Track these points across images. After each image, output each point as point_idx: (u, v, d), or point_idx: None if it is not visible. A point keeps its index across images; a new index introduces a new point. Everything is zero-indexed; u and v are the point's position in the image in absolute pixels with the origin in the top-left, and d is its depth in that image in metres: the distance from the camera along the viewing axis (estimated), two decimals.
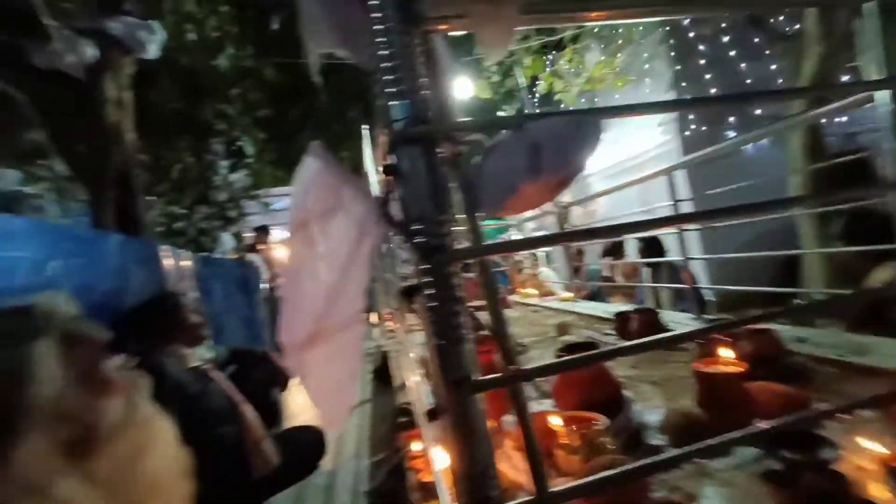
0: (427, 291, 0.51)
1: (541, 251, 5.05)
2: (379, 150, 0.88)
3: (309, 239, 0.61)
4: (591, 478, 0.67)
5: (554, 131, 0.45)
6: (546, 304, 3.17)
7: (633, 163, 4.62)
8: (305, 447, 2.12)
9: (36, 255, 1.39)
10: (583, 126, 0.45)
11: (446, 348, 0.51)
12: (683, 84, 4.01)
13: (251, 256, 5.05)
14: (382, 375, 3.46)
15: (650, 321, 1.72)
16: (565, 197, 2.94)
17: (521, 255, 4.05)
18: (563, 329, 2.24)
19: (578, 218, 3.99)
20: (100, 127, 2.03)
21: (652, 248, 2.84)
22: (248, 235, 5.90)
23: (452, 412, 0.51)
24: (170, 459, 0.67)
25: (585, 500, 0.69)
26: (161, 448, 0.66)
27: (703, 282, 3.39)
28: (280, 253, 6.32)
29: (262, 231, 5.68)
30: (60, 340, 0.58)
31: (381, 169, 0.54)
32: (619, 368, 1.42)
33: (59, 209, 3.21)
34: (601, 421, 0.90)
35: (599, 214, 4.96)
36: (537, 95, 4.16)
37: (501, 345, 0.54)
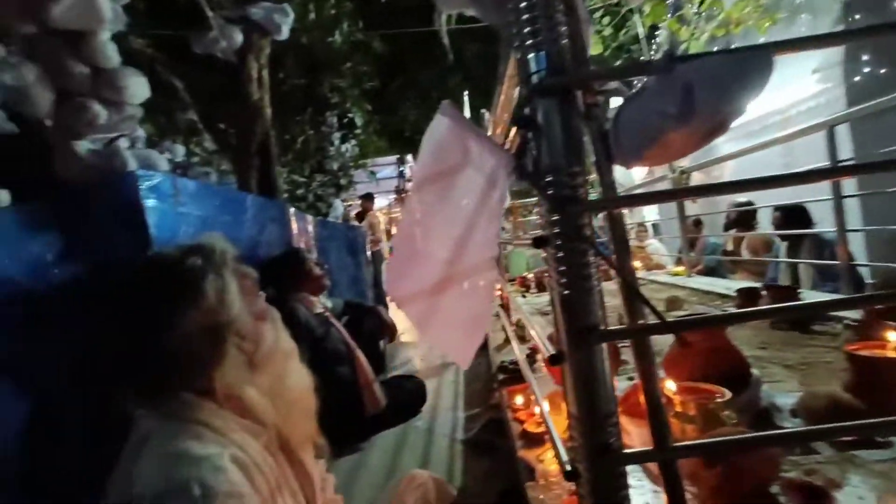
0: (557, 242, 0.53)
1: (649, 222, 4.66)
2: (499, 108, 0.90)
3: (438, 192, 0.66)
4: (713, 439, 0.65)
5: (711, 71, 0.42)
6: (653, 277, 2.95)
7: (772, 120, 3.89)
8: (408, 394, 2.33)
9: (202, 211, 1.69)
10: (748, 62, 0.41)
11: (574, 297, 0.53)
12: (858, 16, 3.16)
13: (356, 222, 5.51)
14: None
15: (787, 300, 1.52)
16: (683, 161, 2.64)
17: (628, 226, 3.77)
18: (673, 304, 2.09)
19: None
20: (246, 104, 2.34)
21: (794, 218, 2.41)
22: (354, 203, 6.42)
23: (578, 360, 0.53)
24: (304, 377, 0.78)
25: (707, 466, 0.67)
26: (297, 367, 0.77)
27: (861, 261, 2.80)
28: (382, 219, 6.77)
29: (367, 198, 6.13)
30: (234, 272, 0.69)
31: (513, 122, 0.55)
32: (744, 349, 1.30)
33: (216, 176, 3.83)
34: (723, 394, 0.85)
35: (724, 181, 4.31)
36: (657, 46, 3.68)
37: (629, 298, 0.54)
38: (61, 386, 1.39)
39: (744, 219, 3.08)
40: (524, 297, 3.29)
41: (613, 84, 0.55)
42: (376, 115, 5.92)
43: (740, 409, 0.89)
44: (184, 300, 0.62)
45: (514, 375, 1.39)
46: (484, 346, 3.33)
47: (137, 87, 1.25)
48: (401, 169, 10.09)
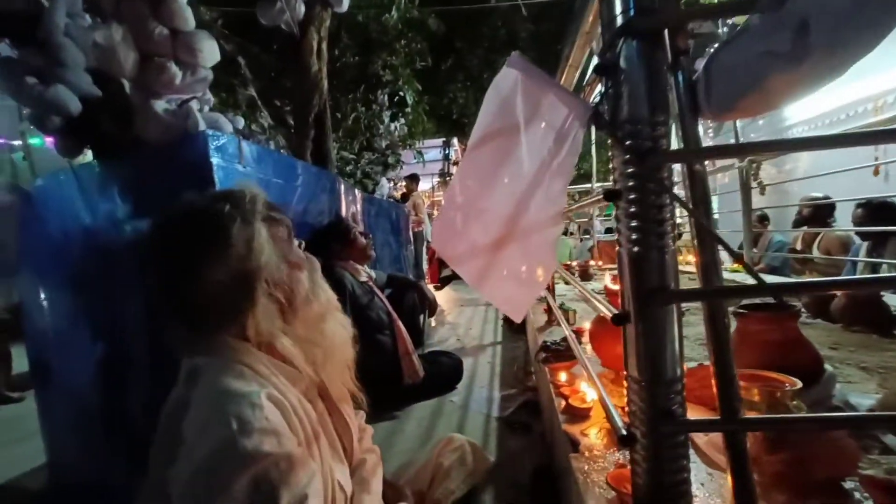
0: (631, 196, 0.50)
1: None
2: (565, 73, 0.86)
3: (500, 148, 0.65)
4: (786, 415, 0.61)
5: (833, 4, 0.38)
6: None
7: (861, 108, 3.46)
8: (446, 369, 2.36)
9: (261, 173, 1.76)
10: None
11: (645, 255, 0.50)
12: None
13: (400, 201, 5.57)
14: (512, 322, 3.60)
15: (867, 300, 1.38)
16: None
17: (680, 219, 3.56)
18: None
19: (770, 179, 3.19)
20: (306, 75, 2.40)
21: (881, 215, 2.15)
22: (400, 184, 6.48)
23: (645, 320, 0.51)
24: (343, 327, 0.77)
25: (771, 451, 0.63)
26: (336, 316, 0.76)
27: None
28: (426, 200, 6.82)
29: (412, 179, 6.17)
30: (265, 219, 0.66)
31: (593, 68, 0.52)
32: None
33: (273, 146, 4.00)
34: (793, 383, 0.79)
35: (800, 175, 3.89)
36: None
37: (704, 259, 0.51)
38: (130, 330, 1.52)
39: (818, 215, 2.80)
40: (567, 283, 3.22)
41: (707, 28, 0.51)
42: (425, 95, 5.90)
43: (811, 404, 0.83)
44: (211, 248, 0.61)
45: (556, 354, 1.37)
46: (522, 330, 3.31)
47: (210, 51, 1.32)
48: (446, 152, 10.05)
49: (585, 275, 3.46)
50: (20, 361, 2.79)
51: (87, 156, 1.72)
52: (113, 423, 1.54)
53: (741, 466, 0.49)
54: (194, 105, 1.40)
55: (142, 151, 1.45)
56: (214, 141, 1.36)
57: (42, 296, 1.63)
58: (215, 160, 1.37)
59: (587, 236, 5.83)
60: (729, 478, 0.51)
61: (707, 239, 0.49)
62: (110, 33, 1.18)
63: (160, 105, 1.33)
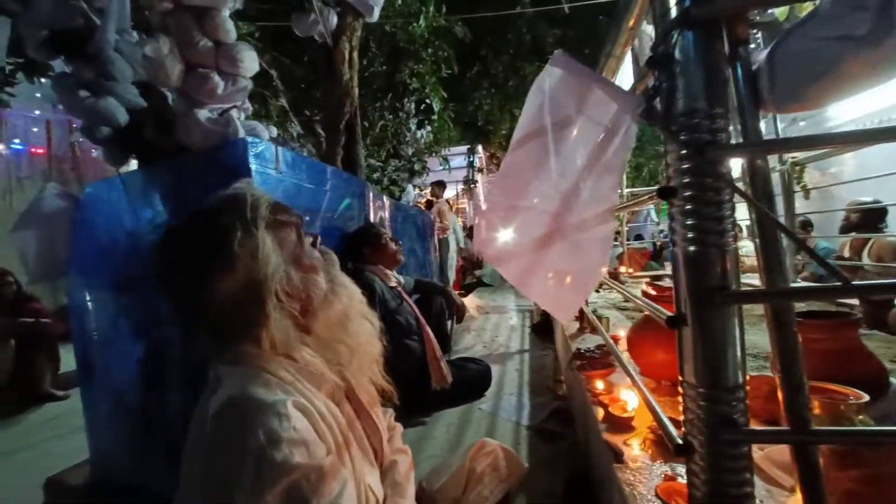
0: (687, 192, 0.48)
1: (743, 221, 4.20)
2: (613, 57, 0.84)
3: (543, 146, 0.63)
4: (860, 428, 0.56)
5: None
6: (747, 280, 2.66)
7: None
8: (474, 375, 2.33)
9: (295, 179, 1.80)
10: None
11: (703, 253, 0.48)
12: None
13: (425, 208, 5.60)
14: (540, 330, 3.53)
15: None
16: (798, 154, 2.32)
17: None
18: None
19: (813, 184, 3.02)
20: (338, 83, 2.47)
21: None
22: (426, 190, 6.52)
23: (704, 323, 0.48)
24: (367, 319, 0.75)
25: (842, 467, 0.58)
26: (358, 310, 0.74)
27: None
28: (450, 207, 6.84)
29: (439, 185, 6.20)
30: (269, 225, 0.63)
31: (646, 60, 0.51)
32: None
33: (305, 153, 4.11)
34: (858, 396, 0.74)
35: (845, 179, 3.69)
36: None
37: (768, 257, 0.48)
38: (171, 332, 1.57)
39: (868, 220, 2.63)
40: (597, 291, 3.14)
41: (767, 17, 0.48)
42: (451, 102, 5.94)
43: (876, 419, 0.77)
44: (215, 263, 0.60)
45: (591, 362, 1.33)
46: (550, 337, 3.25)
47: (250, 61, 1.37)
48: (470, 159, 10.07)
49: (616, 279, 3.38)
50: (68, 362, 2.94)
51: (133, 164, 1.80)
52: (154, 422, 1.59)
53: (812, 482, 0.46)
54: (234, 113, 1.45)
55: (184, 158, 1.51)
56: (253, 148, 1.41)
57: (89, 297, 1.71)
58: (254, 166, 1.41)
59: (616, 243, 5.69)
60: (797, 494, 0.47)
61: (771, 236, 0.46)
62: (158, 46, 1.24)
63: (203, 114, 1.38)
